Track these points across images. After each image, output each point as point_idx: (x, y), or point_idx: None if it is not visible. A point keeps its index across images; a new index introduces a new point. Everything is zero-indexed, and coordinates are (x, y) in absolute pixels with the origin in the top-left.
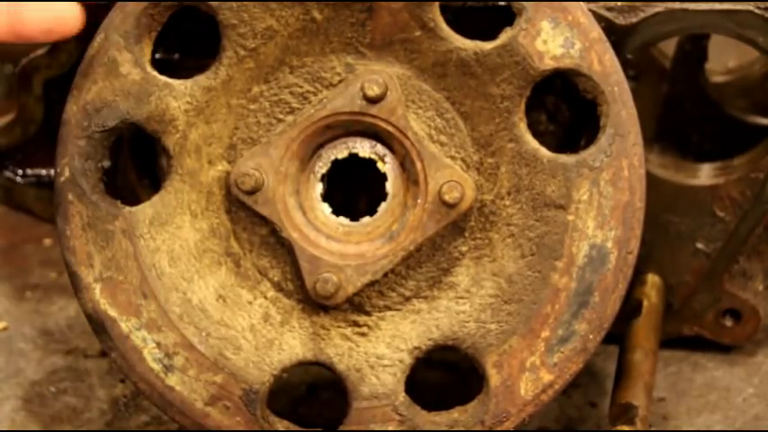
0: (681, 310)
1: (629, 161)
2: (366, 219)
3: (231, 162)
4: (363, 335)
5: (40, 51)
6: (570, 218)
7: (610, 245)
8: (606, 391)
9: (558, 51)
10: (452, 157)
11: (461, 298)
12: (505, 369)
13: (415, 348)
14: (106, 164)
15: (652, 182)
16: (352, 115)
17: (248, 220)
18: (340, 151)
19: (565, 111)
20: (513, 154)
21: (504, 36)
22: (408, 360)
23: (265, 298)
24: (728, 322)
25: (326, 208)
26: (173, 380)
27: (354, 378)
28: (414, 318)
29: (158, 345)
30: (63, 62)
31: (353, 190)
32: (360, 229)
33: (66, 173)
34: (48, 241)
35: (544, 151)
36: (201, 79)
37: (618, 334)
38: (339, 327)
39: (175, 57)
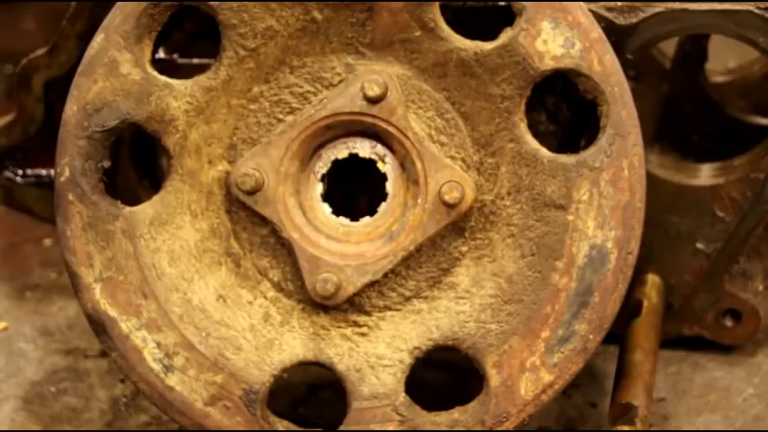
0: (681, 310)
1: (629, 161)
2: (366, 219)
3: (231, 162)
4: (363, 335)
5: (40, 51)
6: (570, 218)
7: (610, 245)
8: (606, 391)
9: (559, 51)
10: (452, 158)
11: (461, 298)
12: (505, 369)
13: (415, 348)
14: (106, 164)
15: (652, 182)
16: (353, 115)
17: (248, 221)
18: (340, 151)
19: (565, 111)
20: (513, 154)
21: (505, 36)
22: (408, 360)
23: (265, 298)
24: (728, 322)
25: (326, 208)
26: (173, 380)
27: (354, 378)
28: (414, 318)
29: (158, 345)
30: (63, 62)
31: (353, 190)
32: (360, 230)
33: (66, 173)
34: (48, 241)
35: (544, 151)
36: (202, 79)
37: (618, 334)
38: (339, 327)
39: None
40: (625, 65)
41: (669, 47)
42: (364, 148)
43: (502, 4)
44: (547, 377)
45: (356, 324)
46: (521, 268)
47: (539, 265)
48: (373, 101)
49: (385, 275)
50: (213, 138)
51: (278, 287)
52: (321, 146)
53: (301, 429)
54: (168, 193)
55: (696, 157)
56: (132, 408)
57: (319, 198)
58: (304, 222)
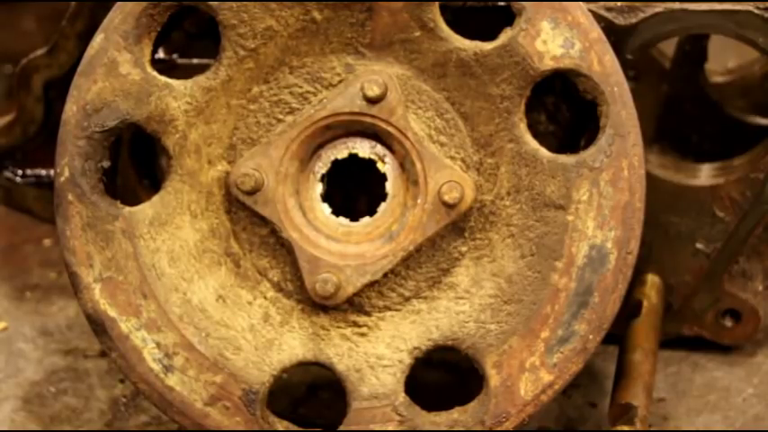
0: (681, 310)
1: (628, 161)
2: (366, 219)
3: (231, 162)
4: (363, 335)
5: (40, 51)
6: (570, 218)
7: (609, 245)
8: (606, 392)
9: (558, 52)
10: (452, 158)
11: (461, 298)
12: (505, 369)
13: (415, 348)
14: (106, 164)
15: (652, 182)
16: (352, 115)
17: (248, 221)
18: (340, 151)
19: (565, 111)
20: (512, 154)
21: (504, 36)
22: (408, 360)
23: (265, 298)
24: (728, 322)
25: (326, 208)
26: (172, 380)
27: (354, 378)
28: (413, 318)
29: (158, 345)
30: (63, 62)
31: (353, 190)
32: (359, 230)
33: (66, 173)
34: (48, 241)
35: (544, 151)
36: (201, 79)
37: (618, 334)
38: (339, 327)
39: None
40: (625, 65)
41: (669, 47)
42: (364, 149)
43: (502, 4)
44: (546, 377)
45: (356, 324)
46: (520, 268)
47: (538, 265)
48: (373, 101)
49: (385, 276)
50: (213, 138)
51: (278, 287)
52: (321, 146)
53: (301, 429)
54: (168, 194)
55: (696, 157)
56: (132, 408)
57: (319, 198)
58: (304, 222)
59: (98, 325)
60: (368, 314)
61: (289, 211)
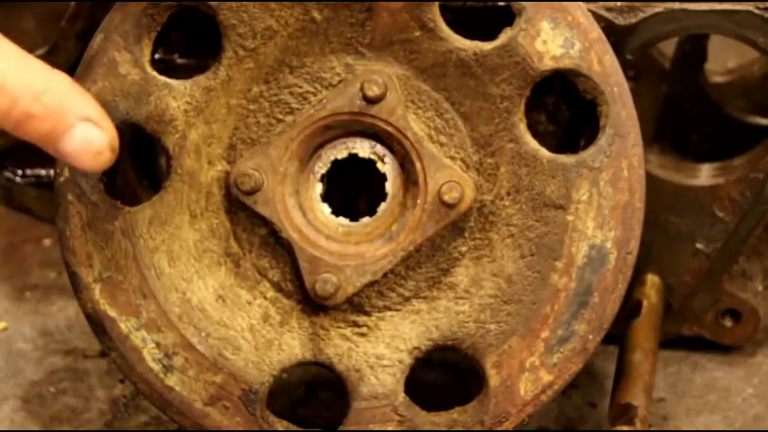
0: (680, 310)
1: (628, 161)
2: (366, 219)
3: (231, 162)
4: (363, 335)
5: (40, 51)
6: (570, 218)
7: (609, 245)
8: (606, 392)
9: (558, 52)
10: (452, 158)
11: (461, 298)
12: (505, 369)
13: (415, 349)
14: None
15: (652, 182)
16: (352, 115)
17: (248, 221)
18: (339, 151)
19: (564, 111)
20: (512, 154)
21: (504, 36)
22: (408, 360)
23: (265, 298)
24: (728, 323)
25: (326, 208)
26: (172, 380)
27: (354, 378)
28: (413, 318)
29: (158, 345)
30: (63, 62)
31: (353, 190)
32: (359, 230)
33: (66, 173)
34: (47, 241)
35: (544, 152)
36: (201, 79)
37: (617, 334)
38: (339, 327)
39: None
40: (624, 65)
41: (669, 47)
42: (364, 149)
43: (501, 4)
44: (546, 377)
45: (356, 324)
46: (520, 268)
47: (538, 265)
48: (373, 101)
49: (384, 276)
50: (212, 138)
51: (277, 287)
52: (320, 146)
53: (301, 429)
54: (167, 194)
55: (696, 158)
56: (132, 408)
57: (319, 198)
58: (303, 222)
59: (98, 325)
60: (368, 314)
61: (288, 211)
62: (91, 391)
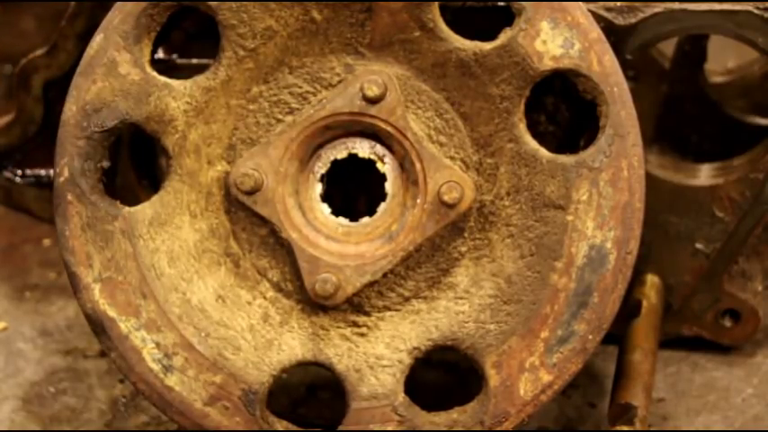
0: (680, 310)
1: (628, 161)
2: (365, 219)
3: (230, 162)
4: (363, 335)
5: (40, 51)
6: (569, 218)
7: (609, 245)
8: (605, 392)
9: (558, 52)
10: (452, 158)
11: (461, 298)
12: (505, 369)
13: (415, 349)
14: (105, 164)
15: (651, 182)
16: (352, 116)
17: (248, 221)
18: (339, 152)
19: (564, 111)
20: (512, 154)
21: (504, 36)
22: (407, 360)
23: (265, 298)
24: (728, 323)
25: (326, 208)
26: (172, 380)
27: (353, 378)
28: (413, 318)
29: (157, 345)
30: (63, 62)
31: (353, 190)
32: (359, 230)
33: (66, 173)
34: (47, 241)
35: (544, 152)
36: (201, 79)
37: (617, 334)
38: (338, 327)
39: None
40: (624, 65)
41: (669, 47)
42: (363, 149)
43: (501, 4)
44: (546, 377)
45: (355, 324)
46: (520, 268)
47: (538, 265)
48: (372, 101)
49: (384, 276)
50: (212, 138)
51: (277, 287)
52: (320, 146)
53: (301, 429)
54: (167, 194)
55: (695, 158)
56: (131, 408)
57: (318, 198)
58: (303, 222)
59: (97, 325)
60: (367, 314)
61: (288, 211)
62: (91, 391)
